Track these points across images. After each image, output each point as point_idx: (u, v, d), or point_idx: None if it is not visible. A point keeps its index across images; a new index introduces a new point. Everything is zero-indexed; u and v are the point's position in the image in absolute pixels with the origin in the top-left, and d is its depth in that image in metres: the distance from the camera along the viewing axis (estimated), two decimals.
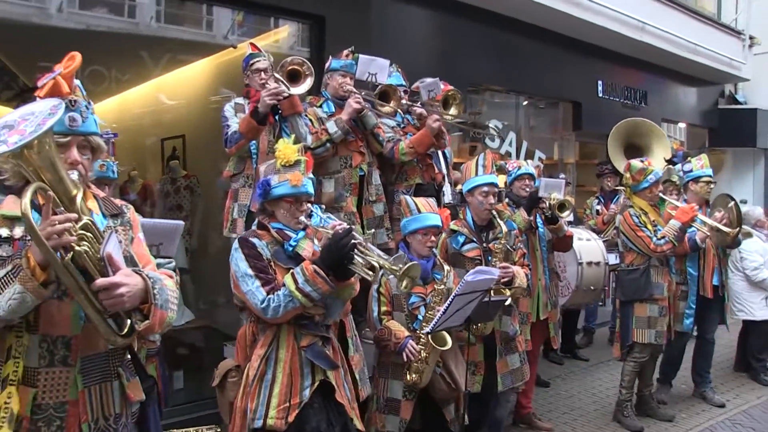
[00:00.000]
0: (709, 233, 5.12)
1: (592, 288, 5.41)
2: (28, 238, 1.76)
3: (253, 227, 2.92)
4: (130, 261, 2.04)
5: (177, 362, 5.51)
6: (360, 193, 4.44)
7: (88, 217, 1.87)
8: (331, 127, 4.17)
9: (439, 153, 4.69)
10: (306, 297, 2.62)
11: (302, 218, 2.82)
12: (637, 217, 4.89)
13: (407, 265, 2.67)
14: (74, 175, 1.90)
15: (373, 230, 4.44)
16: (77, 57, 1.97)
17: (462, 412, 3.56)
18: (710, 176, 5.53)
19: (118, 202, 2.19)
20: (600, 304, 6.79)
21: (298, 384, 2.74)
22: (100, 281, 1.79)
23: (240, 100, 4.17)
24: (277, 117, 4.06)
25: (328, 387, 2.83)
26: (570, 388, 6.09)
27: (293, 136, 3.77)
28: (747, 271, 6.30)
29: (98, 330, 1.87)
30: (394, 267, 2.66)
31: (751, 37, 11.39)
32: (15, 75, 6.01)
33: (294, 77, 4.07)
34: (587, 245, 5.59)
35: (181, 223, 3.58)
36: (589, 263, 5.42)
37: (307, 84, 4.07)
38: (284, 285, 2.65)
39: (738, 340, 6.75)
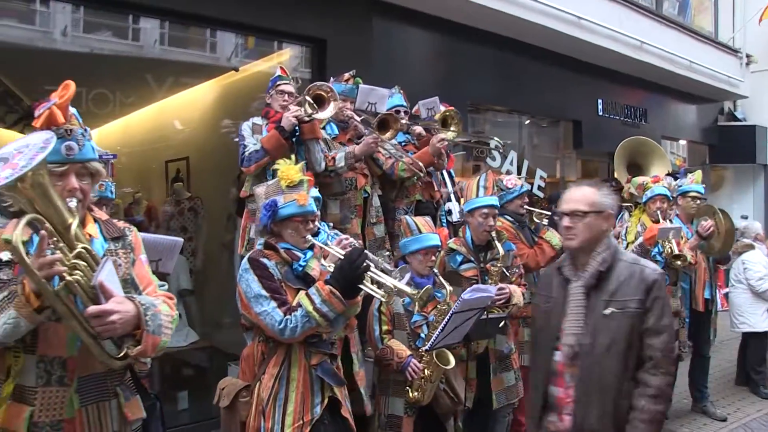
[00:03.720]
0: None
1: None
2: None
3: (258, 247, 2.91)
4: (131, 284, 2.09)
5: (181, 382, 5.52)
6: (364, 215, 4.47)
7: (84, 245, 1.91)
8: (340, 160, 4.15)
9: (444, 173, 4.71)
10: (323, 317, 2.66)
11: (309, 237, 2.86)
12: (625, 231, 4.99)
13: (423, 290, 2.85)
14: (73, 203, 1.93)
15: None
16: (71, 86, 2.01)
17: (459, 424, 3.61)
18: (698, 192, 5.44)
19: (120, 224, 2.22)
20: None
21: (309, 401, 2.78)
22: (92, 309, 1.84)
23: (258, 120, 4.11)
24: (294, 140, 4.00)
25: (334, 403, 2.88)
26: None
27: (294, 157, 3.75)
28: (751, 282, 6.29)
29: (93, 353, 1.93)
30: (412, 292, 2.79)
31: (748, 56, 11.53)
32: (19, 98, 6.04)
33: (318, 102, 4.04)
34: None
35: (180, 240, 3.54)
36: None
37: (330, 110, 4.06)
38: (300, 306, 2.67)
39: (738, 354, 6.74)
